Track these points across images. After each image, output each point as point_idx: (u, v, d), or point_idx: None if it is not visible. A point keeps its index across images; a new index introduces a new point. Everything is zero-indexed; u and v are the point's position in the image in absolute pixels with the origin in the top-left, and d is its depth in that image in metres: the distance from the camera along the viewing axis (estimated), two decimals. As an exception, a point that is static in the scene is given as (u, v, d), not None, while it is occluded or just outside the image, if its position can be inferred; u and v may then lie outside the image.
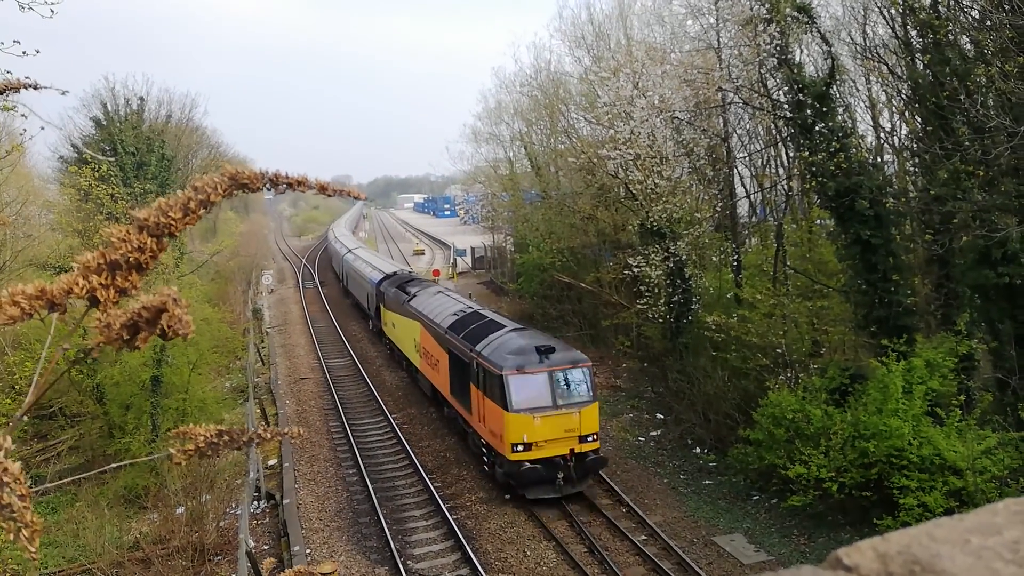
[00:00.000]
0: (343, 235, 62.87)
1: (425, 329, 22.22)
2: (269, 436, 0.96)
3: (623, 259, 23.92)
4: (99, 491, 18.64)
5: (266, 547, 15.39)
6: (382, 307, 30.55)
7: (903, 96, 18.25)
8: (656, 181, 20.93)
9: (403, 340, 26.10)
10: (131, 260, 0.78)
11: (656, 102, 20.44)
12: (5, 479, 0.71)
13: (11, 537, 0.71)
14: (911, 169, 19.26)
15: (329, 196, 0.87)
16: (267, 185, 0.81)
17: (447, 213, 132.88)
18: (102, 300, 0.78)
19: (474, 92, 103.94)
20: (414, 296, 25.10)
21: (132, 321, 0.76)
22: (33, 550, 0.71)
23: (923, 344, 14.56)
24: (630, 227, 25.13)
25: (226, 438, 0.89)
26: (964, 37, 15.21)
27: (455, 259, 57.84)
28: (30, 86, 1.30)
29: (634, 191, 21.85)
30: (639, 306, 22.97)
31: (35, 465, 19.69)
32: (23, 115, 11.52)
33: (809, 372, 17.00)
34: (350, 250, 46.58)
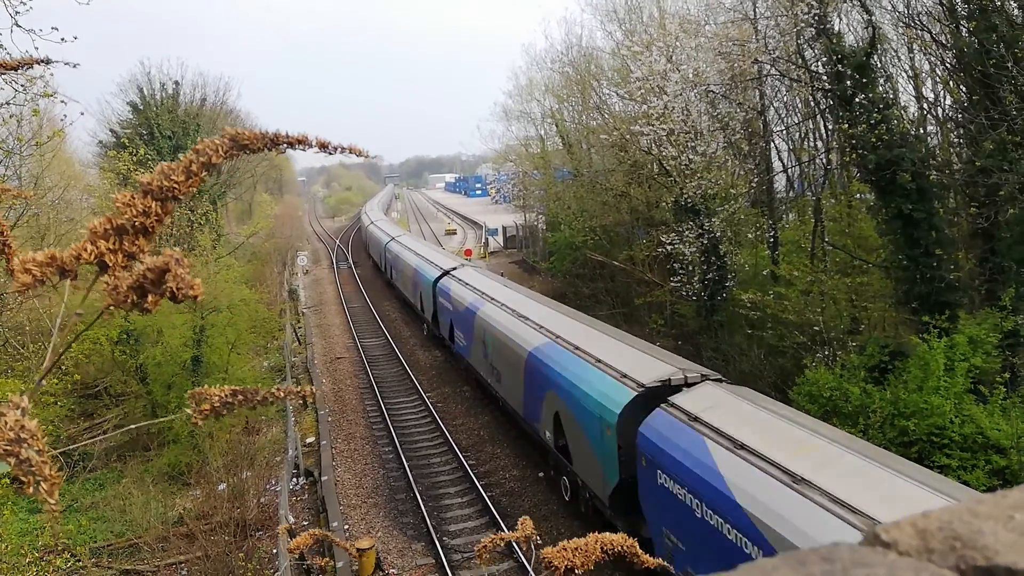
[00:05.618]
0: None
1: None
2: (281, 395, 0.97)
3: (656, 237, 23.70)
4: (144, 468, 19.23)
5: (306, 523, 15.73)
6: None
7: (947, 65, 17.66)
8: (690, 157, 20.66)
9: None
10: (137, 224, 0.79)
11: (690, 76, 20.13)
12: (23, 436, 0.74)
13: (30, 490, 0.73)
14: (955, 140, 18.68)
15: (331, 154, 0.86)
16: (268, 146, 0.80)
17: (478, 192, 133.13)
18: (111, 265, 0.79)
19: (505, 70, 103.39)
20: None
21: (138, 283, 0.77)
22: (53, 502, 0.74)
23: (966, 320, 14.19)
24: (664, 204, 24.88)
25: (240, 397, 0.90)
26: (1012, 2, 14.64)
27: (487, 238, 57.94)
28: (41, 61, 1.32)
29: (668, 167, 21.61)
30: (673, 284, 22.79)
31: (82, 442, 20.36)
32: (63, 101, 11.80)
33: (847, 349, 16.71)
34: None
